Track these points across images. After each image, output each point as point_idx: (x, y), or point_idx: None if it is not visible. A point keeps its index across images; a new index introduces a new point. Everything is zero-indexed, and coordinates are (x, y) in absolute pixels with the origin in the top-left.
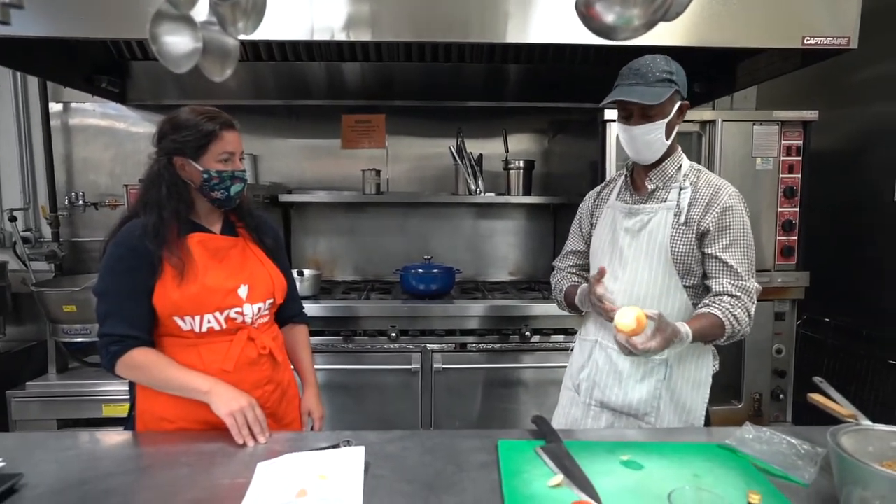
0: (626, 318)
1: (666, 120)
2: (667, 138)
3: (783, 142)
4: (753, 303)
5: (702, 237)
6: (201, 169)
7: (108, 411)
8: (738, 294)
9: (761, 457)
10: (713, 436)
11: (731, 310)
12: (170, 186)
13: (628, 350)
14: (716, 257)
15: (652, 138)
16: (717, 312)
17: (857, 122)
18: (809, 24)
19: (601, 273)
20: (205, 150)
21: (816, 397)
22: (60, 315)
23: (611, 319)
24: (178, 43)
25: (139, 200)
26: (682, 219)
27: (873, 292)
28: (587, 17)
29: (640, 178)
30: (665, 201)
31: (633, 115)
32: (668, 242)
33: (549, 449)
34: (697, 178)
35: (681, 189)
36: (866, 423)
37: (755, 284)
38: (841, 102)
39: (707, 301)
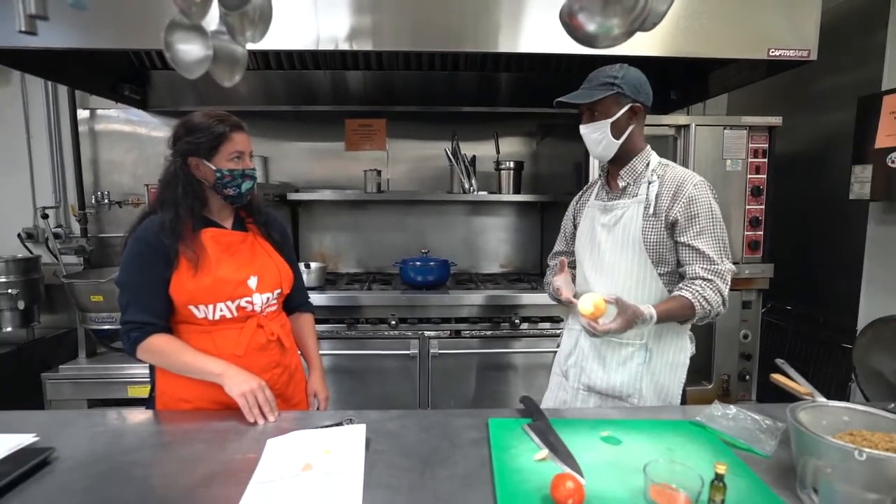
0: (585, 304)
1: (610, 120)
2: (616, 137)
3: (751, 145)
4: (727, 284)
5: (672, 227)
6: (214, 168)
7: (133, 392)
8: (711, 277)
9: (728, 432)
10: (685, 413)
11: (702, 292)
12: (185, 185)
13: (591, 332)
14: (688, 245)
15: (597, 136)
16: (688, 295)
17: (817, 127)
18: (774, 37)
19: (562, 265)
20: (217, 150)
21: (778, 377)
22: (89, 304)
23: (568, 306)
24: (190, 50)
25: (157, 199)
26: (651, 210)
27: (830, 283)
28: (570, 26)
29: (613, 178)
30: (636, 196)
31: (585, 116)
32: (640, 234)
33: (535, 426)
34: (664, 172)
35: (649, 183)
36: (821, 399)
37: (729, 266)
38: (802, 110)
39: (681, 285)
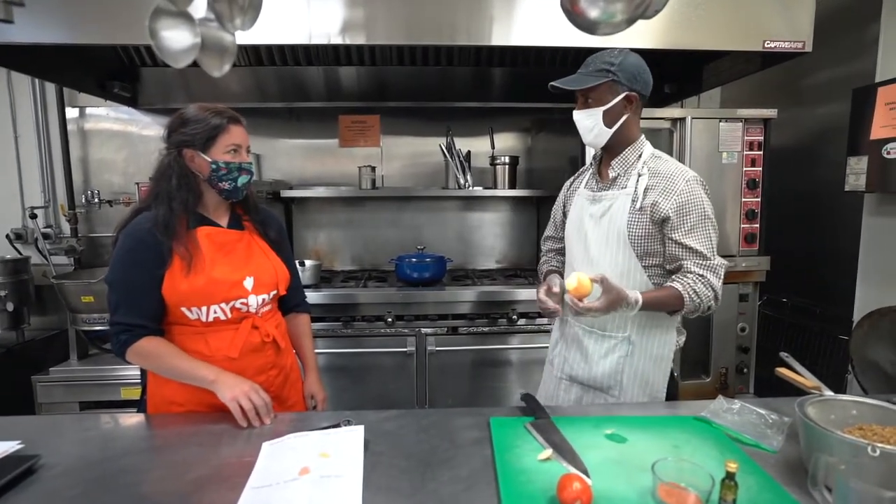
0: (570, 279)
1: (603, 108)
2: (608, 126)
3: (746, 138)
4: (720, 278)
5: (662, 223)
6: (210, 160)
7: (126, 394)
8: (703, 273)
9: (733, 427)
10: (689, 409)
11: (693, 285)
12: (179, 178)
13: (575, 311)
14: (679, 242)
15: (589, 123)
16: (678, 286)
17: (811, 120)
18: (769, 29)
19: (561, 287)
20: (213, 142)
21: (783, 371)
22: (79, 305)
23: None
24: (176, 38)
25: (150, 193)
26: (638, 204)
27: (826, 275)
28: (572, 13)
29: (605, 167)
30: (625, 188)
31: (579, 101)
32: (626, 227)
33: (538, 425)
34: (657, 165)
35: (639, 176)
36: (829, 393)
37: (720, 260)
38: (796, 102)
39: (674, 277)
